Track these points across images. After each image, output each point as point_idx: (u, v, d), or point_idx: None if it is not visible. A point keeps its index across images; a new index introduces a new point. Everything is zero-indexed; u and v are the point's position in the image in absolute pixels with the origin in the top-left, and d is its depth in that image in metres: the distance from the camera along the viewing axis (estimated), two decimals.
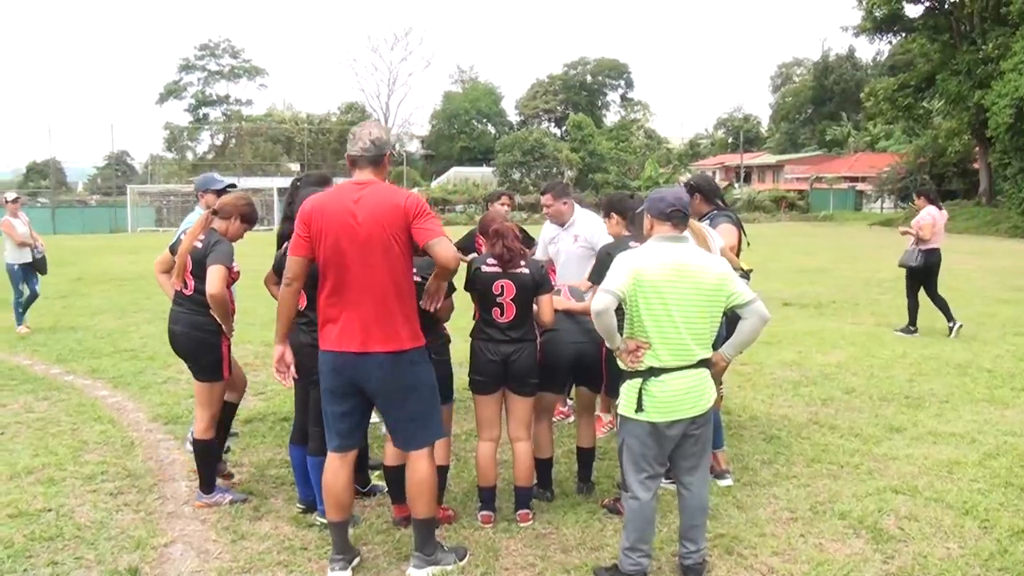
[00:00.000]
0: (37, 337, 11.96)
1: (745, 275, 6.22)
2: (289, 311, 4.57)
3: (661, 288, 4.09)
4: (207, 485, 5.53)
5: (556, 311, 5.24)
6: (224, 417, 5.80)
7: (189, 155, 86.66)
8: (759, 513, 5.27)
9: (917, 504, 5.36)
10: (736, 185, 70.43)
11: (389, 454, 5.08)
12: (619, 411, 4.27)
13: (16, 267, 12.38)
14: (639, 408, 4.14)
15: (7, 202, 12.67)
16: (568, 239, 6.65)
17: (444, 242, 4.31)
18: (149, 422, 7.47)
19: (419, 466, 4.50)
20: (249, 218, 5.58)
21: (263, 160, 75.52)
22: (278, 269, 5.36)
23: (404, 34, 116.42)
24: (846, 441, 6.69)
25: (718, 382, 6.29)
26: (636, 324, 4.15)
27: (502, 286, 5.03)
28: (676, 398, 4.12)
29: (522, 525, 5.13)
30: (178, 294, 5.52)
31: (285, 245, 5.25)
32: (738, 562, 4.63)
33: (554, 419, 6.97)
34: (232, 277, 5.44)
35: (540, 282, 5.15)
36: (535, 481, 5.42)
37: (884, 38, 49.70)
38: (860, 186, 61.94)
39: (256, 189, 52.28)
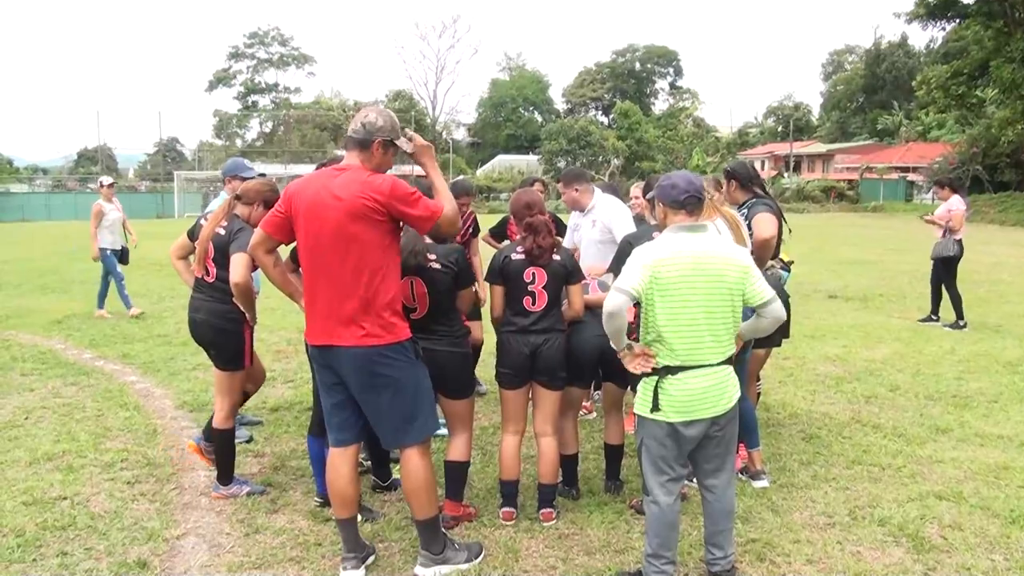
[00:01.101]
0: (72, 321, 12.00)
1: (786, 267, 6.00)
2: (283, 282, 4.53)
3: (678, 282, 3.83)
4: (225, 476, 5.40)
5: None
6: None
7: (238, 142, 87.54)
8: (794, 517, 5.02)
9: (962, 511, 5.08)
10: (785, 174, 69.49)
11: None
12: (635, 410, 4.03)
13: (109, 252, 12.49)
14: (655, 407, 3.90)
15: (102, 186, 12.76)
16: (588, 225, 6.43)
17: (441, 226, 4.15)
18: (175, 409, 7.39)
19: (410, 465, 4.29)
20: (272, 204, 5.41)
21: (310, 147, 75.91)
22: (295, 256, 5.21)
23: (452, 21, 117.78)
24: (889, 442, 6.39)
25: (755, 378, 6.10)
26: (651, 320, 3.89)
27: (533, 273, 4.87)
28: (694, 397, 3.87)
29: (545, 524, 4.94)
30: (199, 281, 5.38)
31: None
32: (770, 570, 4.38)
33: (580, 414, 6.81)
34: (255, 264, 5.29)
35: (572, 271, 4.99)
36: (560, 479, 5.23)
37: (937, 24, 48.54)
38: (911, 176, 60.72)
39: (302, 176, 52.57)
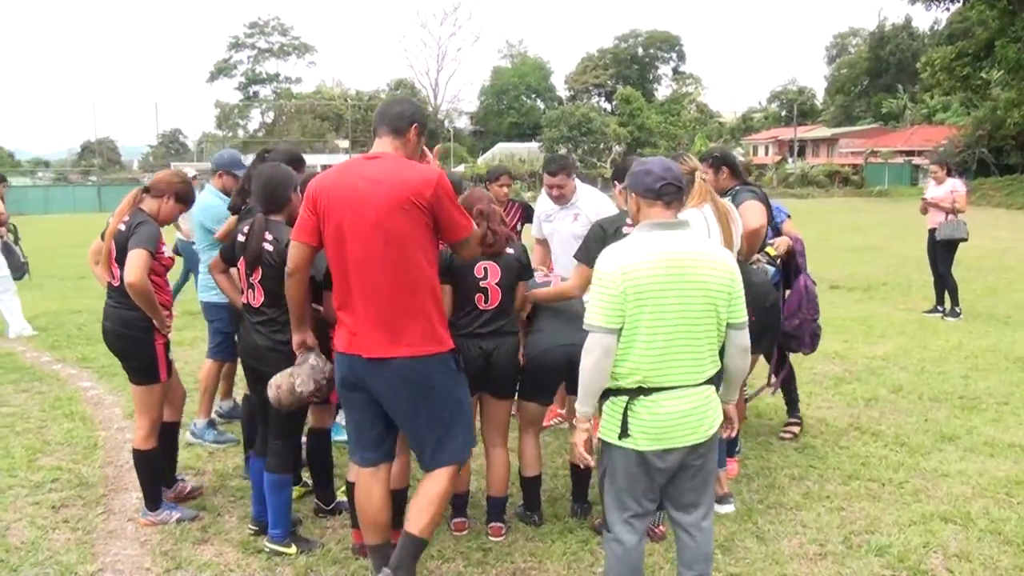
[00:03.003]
0: (40, 320, 11.47)
1: (772, 261, 5.49)
2: (297, 306, 4.03)
3: (651, 289, 3.21)
4: (152, 501, 4.88)
5: (543, 308, 4.58)
6: (166, 440, 5.07)
7: (240, 132, 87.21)
8: (782, 546, 4.49)
9: (970, 537, 4.54)
10: (790, 159, 68.80)
11: (353, 469, 4.38)
12: (600, 435, 3.43)
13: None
14: (624, 433, 3.30)
15: None
16: (567, 218, 5.92)
17: (470, 243, 3.86)
18: (123, 419, 6.88)
19: (436, 481, 3.85)
20: (185, 198, 4.89)
21: (311, 137, 75.46)
22: (226, 255, 4.70)
23: (453, 9, 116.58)
24: (890, 452, 5.85)
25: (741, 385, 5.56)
26: (619, 333, 3.30)
27: (485, 268, 4.36)
28: (670, 423, 3.26)
29: (494, 539, 4.49)
30: (109, 286, 4.84)
31: (241, 224, 4.66)
32: None
33: (551, 422, 6.31)
34: (163, 263, 4.77)
35: (525, 266, 4.53)
36: (508, 496, 4.75)
37: (941, 5, 47.77)
38: (916, 160, 59.95)
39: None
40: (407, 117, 3.82)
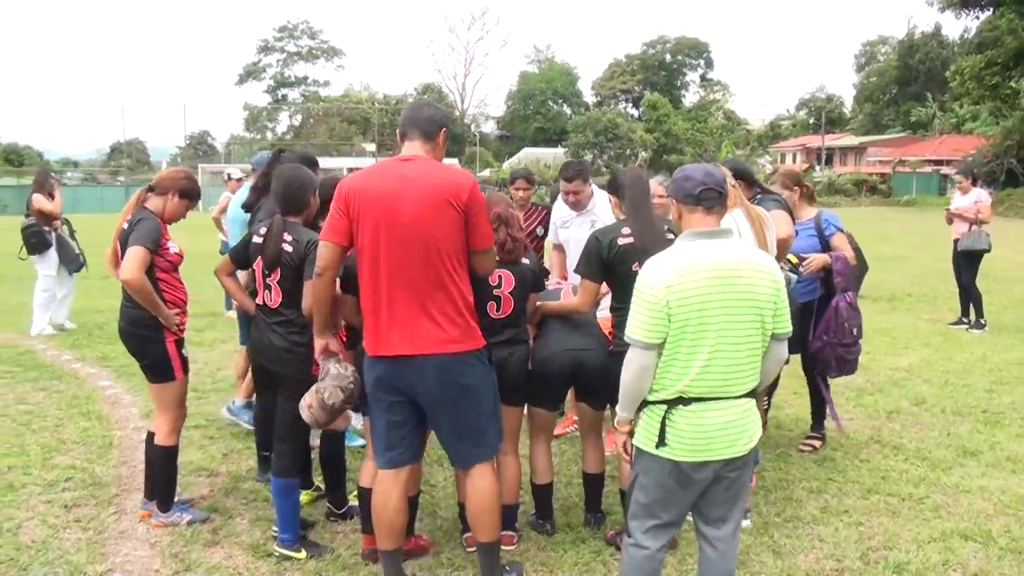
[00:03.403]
0: None
1: (794, 269, 5.43)
2: (324, 306, 3.98)
3: (695, 302, 3.12)
4: (164, 502, 4.86)
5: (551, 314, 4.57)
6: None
7: (268, 135, 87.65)
8: (798, 561, 4.40)
9: (990, 556, 4.43)
10: (817, 167, 68.30)
11: (366, 473, 4.35)
12: (635, 442, 3.34)
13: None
14: (661, 442, 3.22)
15: (229, 179, 11.90)
16: (584, 224, 5.85)
17: (491, 255, 3.94)
18: (139, 419, 6.88)
19: (481, 483, 3.89)
20: (189, 194, 4.87)
21: (338, 140, 75.71)
22: (237, 257, 4.68)
23: (481, 14, 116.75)
24: (911, 466, 5.75)
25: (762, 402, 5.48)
26: (660, 347, 3.21)
27: (500, 277, 4.30)
28: (708, 434, 3.17)
29: (506, 548, 4.38)
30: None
31: (255, 226, 4.66)
32: None
33: (567, 430, 6.25)
34: (169, 260, 4.74)
35: (539, 278, 4.50)
36: (520, 503, 4.69)
37: (971, 13, 47.51)
38: (945, 170, 59.32)
39: (327, 169, 52.54)
40: (436, 121, 3.87)
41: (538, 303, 4.60)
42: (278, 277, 4.36)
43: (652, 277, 3.17)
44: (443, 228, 3.66)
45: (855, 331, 5.77)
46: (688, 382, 3.16)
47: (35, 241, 10.56)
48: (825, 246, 5.83)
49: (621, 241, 4.28)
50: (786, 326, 3.29)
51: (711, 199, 3.25)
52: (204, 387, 7.76)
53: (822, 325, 5.70)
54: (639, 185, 4.45)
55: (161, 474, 4.89)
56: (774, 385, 5.78)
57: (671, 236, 4.15)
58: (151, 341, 4.70)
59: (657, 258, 3.27)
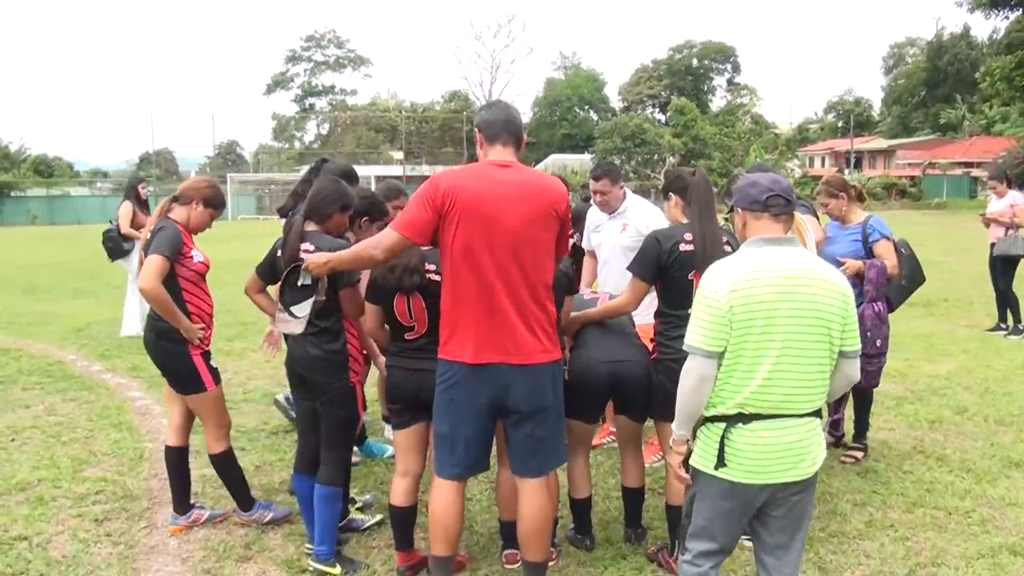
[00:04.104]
0: (93, 329, 11.58)
1: None
2: (359, 264, 4.00)
3: (760, 310, 2.99)
4: (243, 501, 4.93)
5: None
6: (176, 466, 5.01)
7: (296, 144, 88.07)
8: None
9: None
10: (846, 171, 67.76)
11: (396, 491, 4.26)
12: (693, 462, 3.21)
13: None
14: (720, 463, 3.09)
15: None
16: (615, 228, 5.75)
17: (560, 263, 4.04)
18: None
19: (536, 501, 3.83)
20: (213, 202, 4.80)
21: (366, 149, 75.92)
22: (264, 272, 4.61)
23: (507, 21, 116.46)
24: (956, 478, 5.59)
25: None
26: (721, 357, 3.09)
27: None
28: (769, 455, 3.03)
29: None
30: None
31: (278, 239, 4.53)
32: None
33: (603, 441, 6.14)
34: (193, 269, 4.66)
35: (572, 281, 4.38)
36: (558, 517, 4.52)
37: (1000, 13, 46.97)
38: (975, 172, 58.67)
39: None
40: (522, 126, 3.87)
41: (578, 313, 4.49)
42: None
43: (716, 282, 3.06)
44: (545, 236, 3.67)
45: (879, 342, 5.63)
46: (748, 395, 3.02)
47: (111, 246, 10.69)
48: (869, 252, 5.70)
49: (683, 248, 4.15)
50: (855, 343, 3.14)
51: (778, 205, 3.14)
52: (235, 398, 7.69)
53: None
54: (706, 190, 4.30)
55: (226, 480, 4.96)
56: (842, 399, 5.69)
57: (729, 248, 4.04)
58: (175, 353, 4.64)
59: (722, 263, 3.17)
